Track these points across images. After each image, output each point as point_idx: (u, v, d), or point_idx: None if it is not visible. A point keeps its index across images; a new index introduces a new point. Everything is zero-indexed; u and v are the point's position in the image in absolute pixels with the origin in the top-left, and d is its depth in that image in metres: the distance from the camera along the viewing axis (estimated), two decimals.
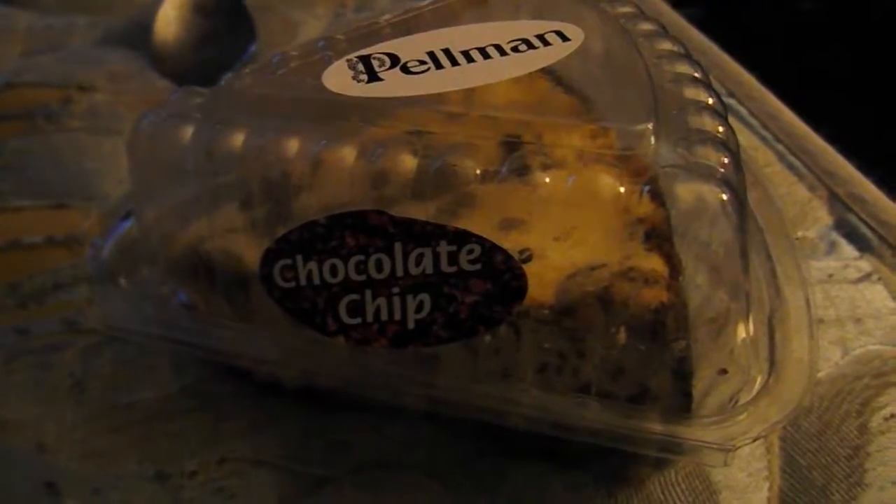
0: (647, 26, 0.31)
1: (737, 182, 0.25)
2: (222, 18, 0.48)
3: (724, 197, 0.24)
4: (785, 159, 0.42)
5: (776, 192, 0.34)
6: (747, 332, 0.26)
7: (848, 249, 0.38)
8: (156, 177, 0.30)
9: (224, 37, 0.48)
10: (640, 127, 0.26)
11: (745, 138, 0.43)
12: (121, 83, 0.47)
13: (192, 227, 0.30)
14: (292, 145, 0.27)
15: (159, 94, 0.43)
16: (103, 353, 0.33)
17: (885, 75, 1.04)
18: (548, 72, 0.29)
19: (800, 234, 0.38)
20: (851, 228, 0.39)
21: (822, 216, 0.39)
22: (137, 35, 0.49)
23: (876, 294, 0.35)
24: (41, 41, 0.51)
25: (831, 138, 0.44)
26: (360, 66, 0.29)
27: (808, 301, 0.29)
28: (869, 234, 0.38)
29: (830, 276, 0.36)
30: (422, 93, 0.28)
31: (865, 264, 0.37)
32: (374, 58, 0.29)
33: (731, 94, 0.46)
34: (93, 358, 0.33)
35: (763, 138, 0.44)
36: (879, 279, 0.36)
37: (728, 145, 0.26)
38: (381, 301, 0.26)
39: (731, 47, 0.50)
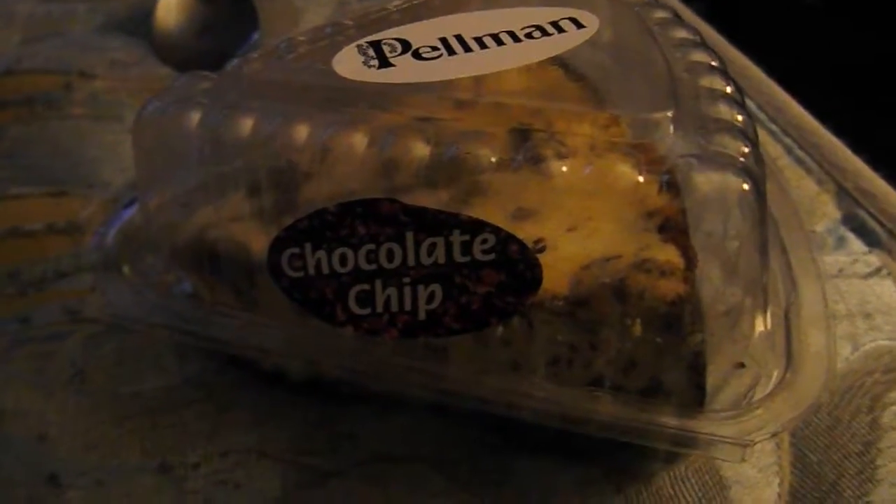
0: (661, 14, 0.31)
1: (757, 172, 0.24)
2: (224, 5, 0.48)
3: (745, 187, 0.24)
4: (793, 153, 0.42)
5: (788, 184, 0.34)
6: (764, 325, 0.26)
7: (857, 244, 0.37)
8: (161, 163, 0.30)
9: (226, 24, 0.47)
10: (659, 115, 0.25)
11: None
12: (122, 70, 0.46)
13: (198, 215, 0.29)
14: (301, 132, 0.26)
15: (161, 82, 0.43)
16: (105, 343, 0.32)
17: (892, 70, 1.04)
18: (559, 59, 0.29)
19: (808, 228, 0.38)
20: (860, 223, 0.38)
21: (831, 210, 0.39)
22: (139, 22, 0.49)
23: (885, 289, 0.35)
24: (41, 27, 0.50)
25: (839, 133, 0.43)
26: (371, 52, 0.29)
27: (823, 295, 0.29)
28: (878, 228, 0.38)
29: (840, 270, 0.36)
30: (434, 79, 0.27)
31: (875, 259, 0.36)
32: (385, 43, 0.29)
33: None
34: (95, 347, 0.32)
35: (771, 132, 0.43)
36: (889, 274, 0.36)
37: (747, 134, 0.25)
38: (392, 291, 0.26)
39: (735, 42, 0.50)
